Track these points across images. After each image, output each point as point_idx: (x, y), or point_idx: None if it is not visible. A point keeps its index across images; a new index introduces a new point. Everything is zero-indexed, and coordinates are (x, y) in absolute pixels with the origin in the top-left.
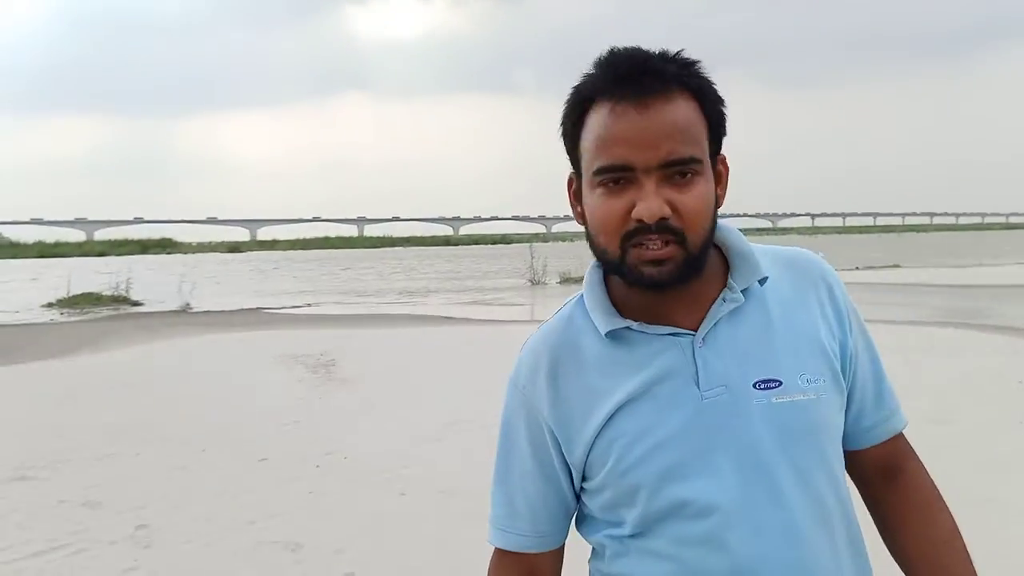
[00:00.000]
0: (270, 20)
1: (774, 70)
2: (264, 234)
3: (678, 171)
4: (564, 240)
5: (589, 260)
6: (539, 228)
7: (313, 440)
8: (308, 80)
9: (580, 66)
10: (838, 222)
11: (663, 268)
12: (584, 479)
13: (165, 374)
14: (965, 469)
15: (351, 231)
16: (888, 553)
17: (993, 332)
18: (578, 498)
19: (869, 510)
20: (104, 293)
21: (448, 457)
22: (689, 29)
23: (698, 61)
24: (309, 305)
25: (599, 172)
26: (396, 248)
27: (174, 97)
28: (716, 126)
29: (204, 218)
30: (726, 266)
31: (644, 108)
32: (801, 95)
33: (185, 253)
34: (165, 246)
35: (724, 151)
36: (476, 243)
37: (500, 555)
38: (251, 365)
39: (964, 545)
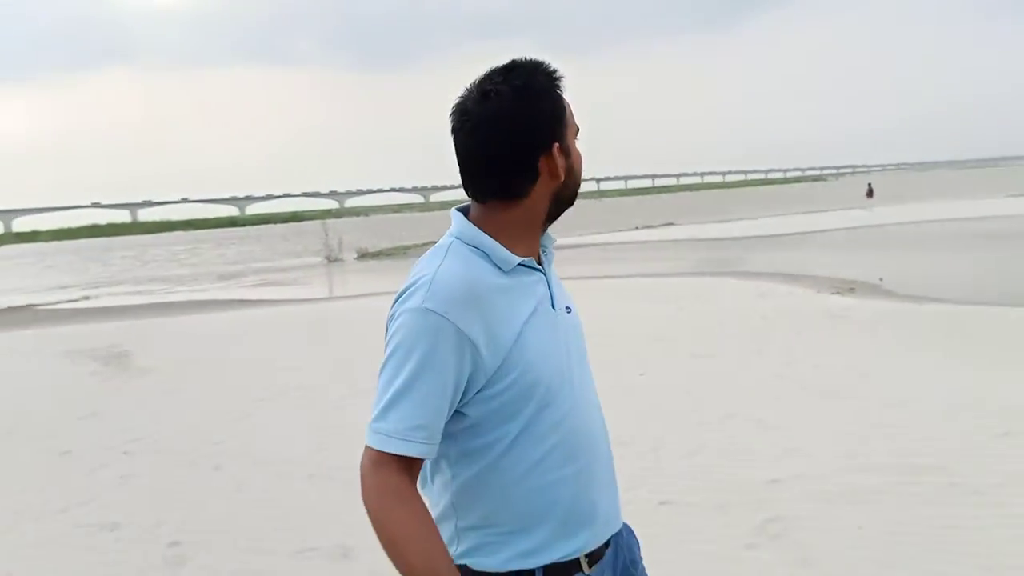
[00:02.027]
0: None
1: (552, 37)
2: (22, 224)
3: None
4: (358, 215)
5: (384, 234)
6: (332, 204)
7: (117, 429)
8: (64, 52)
9: (362, 34)
10: (620, 184)
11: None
12: (488, 386)
13: None
14: (723, 391)
15: (127, 217)
16: None
17: (743, 278)
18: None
19: None
20: None
21: (260, 430)
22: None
23: None
24: (87, 298)
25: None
26: (177, 232)
27: None
28: None
29: None
30: None
31: None
32: (577, 62)
33: None
34: None
35: None
36: (265, 222)
37: (388, 460)
38: (33, 364)
39: None
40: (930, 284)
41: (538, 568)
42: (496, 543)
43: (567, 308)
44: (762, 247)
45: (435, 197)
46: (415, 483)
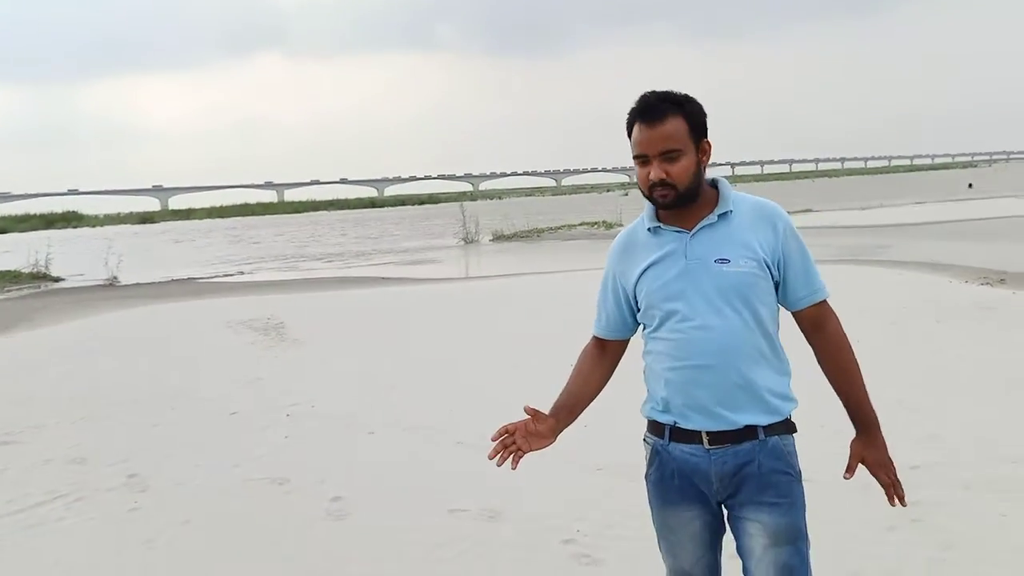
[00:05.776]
0: None
1: (693, 22)
2: (177, 203)
3: (669, 156)
4: (492, 198)
5: (518, 217)
6: (466, 186)
7: (278, 394)
8: (219, 40)
9: (501, 19)
10: (756, 170)
11: (666, 199)
12: (634, 298)
13: (111, 344)
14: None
15: (273, 197)
16: None
17: (884, 266)
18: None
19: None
20: (23, 271)
21: (406, 399)
22: None
23: (686, 94)
24: (242, 273)
25: (635, 158)
26: (320, 212)
27: (74, 62)
28: (696, 128)
29: (114, 188)
30: (717, 201)
31: (652, 126)
32: (715, 47)
33: (93, 226)
34: (70, 219)
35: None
36: (402, 204)
37: (592, 338)
38: (198, 332)
39: (859, 376)
40: None
41: (668, 424)
42: (647, 399)
43: (719, 259)
44: (904, 235)
45: (567, 181)
46: (602, 349)
